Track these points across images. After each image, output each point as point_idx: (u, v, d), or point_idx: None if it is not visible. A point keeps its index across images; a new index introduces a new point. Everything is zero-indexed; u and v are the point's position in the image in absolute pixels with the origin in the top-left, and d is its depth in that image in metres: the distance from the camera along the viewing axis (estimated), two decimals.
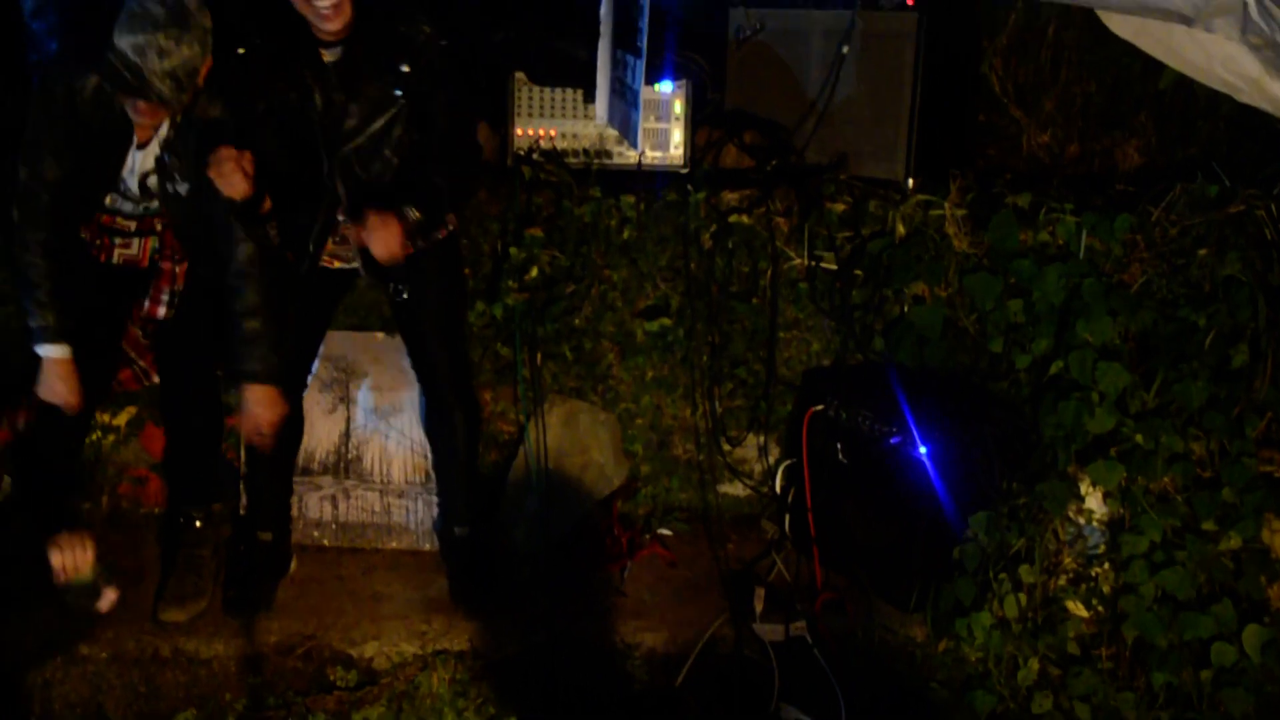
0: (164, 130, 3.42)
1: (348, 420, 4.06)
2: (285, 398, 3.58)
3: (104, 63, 3.14)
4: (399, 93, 3.44)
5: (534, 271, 3.94)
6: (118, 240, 3.62)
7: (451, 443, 3.82)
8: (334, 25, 3.34)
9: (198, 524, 3.82)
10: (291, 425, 3.73)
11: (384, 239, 3.33)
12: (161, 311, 3.66)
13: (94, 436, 4.13)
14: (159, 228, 3.64)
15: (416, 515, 4.04)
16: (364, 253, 3.47)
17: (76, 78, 3.31)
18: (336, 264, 3.67)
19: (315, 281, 3.67)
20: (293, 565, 3.90)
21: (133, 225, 3.61)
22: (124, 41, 3.08)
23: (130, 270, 3.65)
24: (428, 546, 4.03)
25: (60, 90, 3.32)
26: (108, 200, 3.54)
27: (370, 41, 3.42)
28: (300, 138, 3.48)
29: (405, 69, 3.43)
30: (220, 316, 3.51)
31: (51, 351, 3.42)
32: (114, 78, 3.15)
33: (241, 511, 3.96)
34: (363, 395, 4.04)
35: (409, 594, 3.84)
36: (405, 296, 3.66)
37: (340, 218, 3.54)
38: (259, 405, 3.52)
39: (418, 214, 3.38)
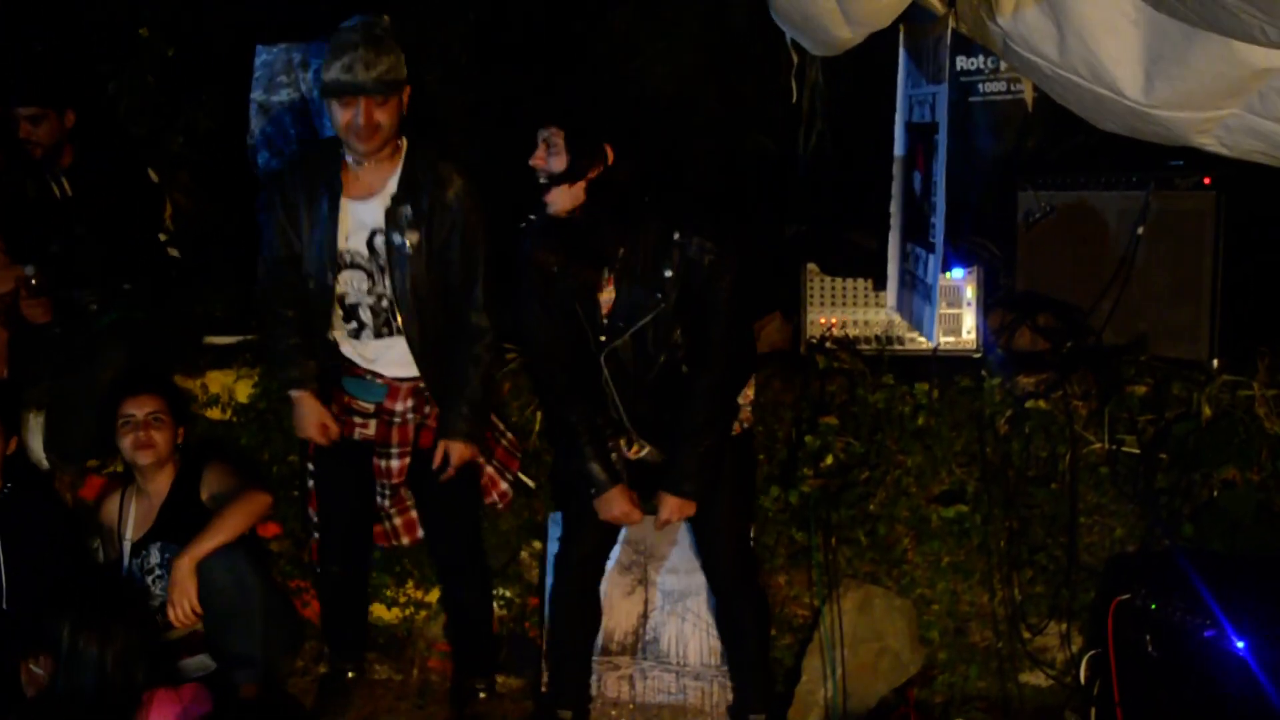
0: (391, 185, 3.68)
1: (645, 602, 4.15)
2: None
3: (320, 98, 3.75)
4: (659, 295, 3.45)
5: (829, 459, 3.98)
6: (357, 420, 3.86)
7: (739, 634, 3.87)
8: (556, 207, 3.38)
9: (482, 695, 4.04)
10: (592, 607, 3.88)
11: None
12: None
13: (407, 611, 4.38)
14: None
15: (712, 698, 4.07)
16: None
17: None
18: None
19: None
20: None
21: (370, 408, 3.84)
22: (333, 71, 3.50)
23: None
24: None
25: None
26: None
27: (651, 250, 3.46)
28: (567, 316, 3.59)
29: (668, 274, 3.43)
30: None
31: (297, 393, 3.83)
32: (332, 91, 3.55)
33: (543, 689, 4.09)
34: (660, 577, 4.14)
35: None
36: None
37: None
38: None
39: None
